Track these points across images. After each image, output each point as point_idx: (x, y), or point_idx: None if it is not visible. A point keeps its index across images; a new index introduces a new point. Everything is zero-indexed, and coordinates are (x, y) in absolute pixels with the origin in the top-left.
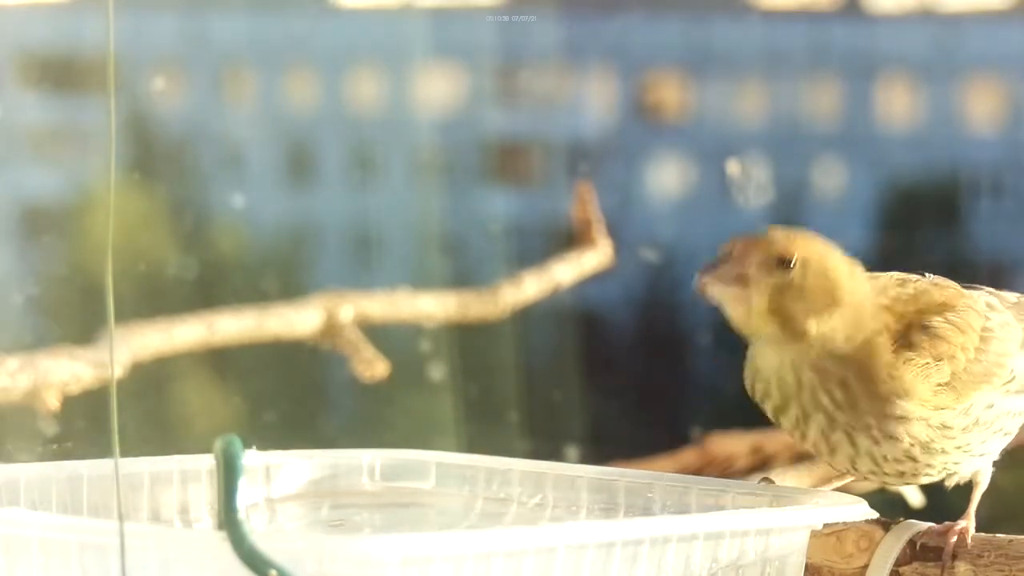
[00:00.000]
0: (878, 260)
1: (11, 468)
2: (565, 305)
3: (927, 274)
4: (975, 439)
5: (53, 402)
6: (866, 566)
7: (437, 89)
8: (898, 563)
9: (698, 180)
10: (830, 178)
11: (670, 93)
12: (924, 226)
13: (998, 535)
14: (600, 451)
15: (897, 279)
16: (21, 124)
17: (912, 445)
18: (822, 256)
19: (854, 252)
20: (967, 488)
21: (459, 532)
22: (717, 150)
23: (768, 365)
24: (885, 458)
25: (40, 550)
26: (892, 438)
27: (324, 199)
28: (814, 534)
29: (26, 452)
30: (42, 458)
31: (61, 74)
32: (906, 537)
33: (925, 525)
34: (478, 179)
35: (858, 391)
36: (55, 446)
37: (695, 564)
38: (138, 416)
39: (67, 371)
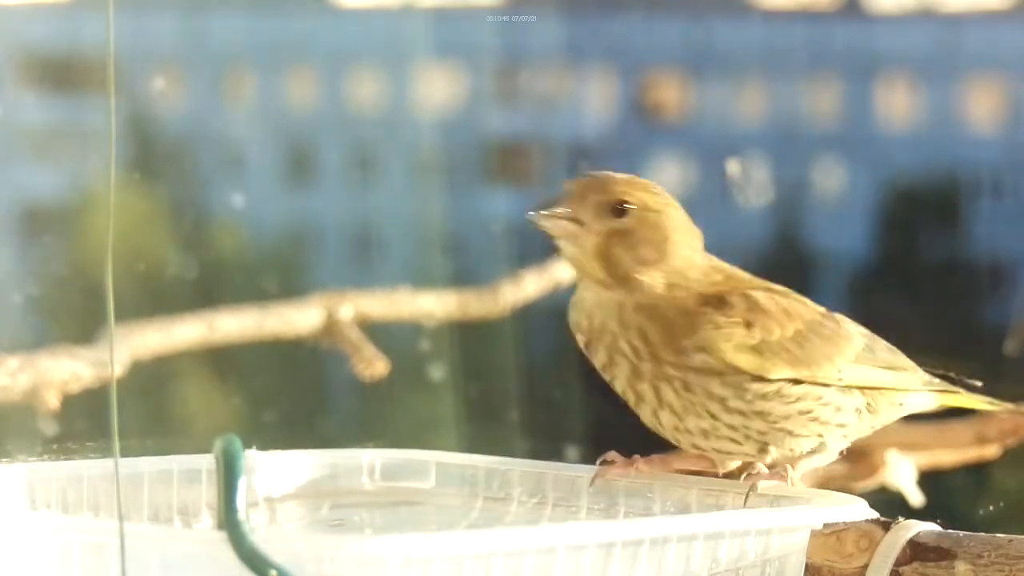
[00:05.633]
0: (878, 260)
1: (11, 468)
2: (565, 305)
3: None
4: (777, 411)
5: (53, 401)
6: (866, 566)
7: (437, 89)
8: (898, 563)
9: (698, 180)
10: (830, 178)
11: (670, 93)
12: (924, 226)
13: (998, 535)
14: (600, 451)
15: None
16: (21, 124)
17: (710, 399)
18: (658, 210)
19: (854, 252)
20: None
21: (459, 532)
22: (717, 150)
23: (586, 300)
24: (686, 409)
25: (40, 550)
26: (689, 390)
27: (324, 199)
28: (814, 534)
29: (26, 452)
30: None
31: (61, 74)
32: (906, 537)
33: (925, 525)
34: (478, 179)
35: (658, 341)
36: (55, 446)
37: (695, 564)
38: (138, 416)
39: (67, 370)
